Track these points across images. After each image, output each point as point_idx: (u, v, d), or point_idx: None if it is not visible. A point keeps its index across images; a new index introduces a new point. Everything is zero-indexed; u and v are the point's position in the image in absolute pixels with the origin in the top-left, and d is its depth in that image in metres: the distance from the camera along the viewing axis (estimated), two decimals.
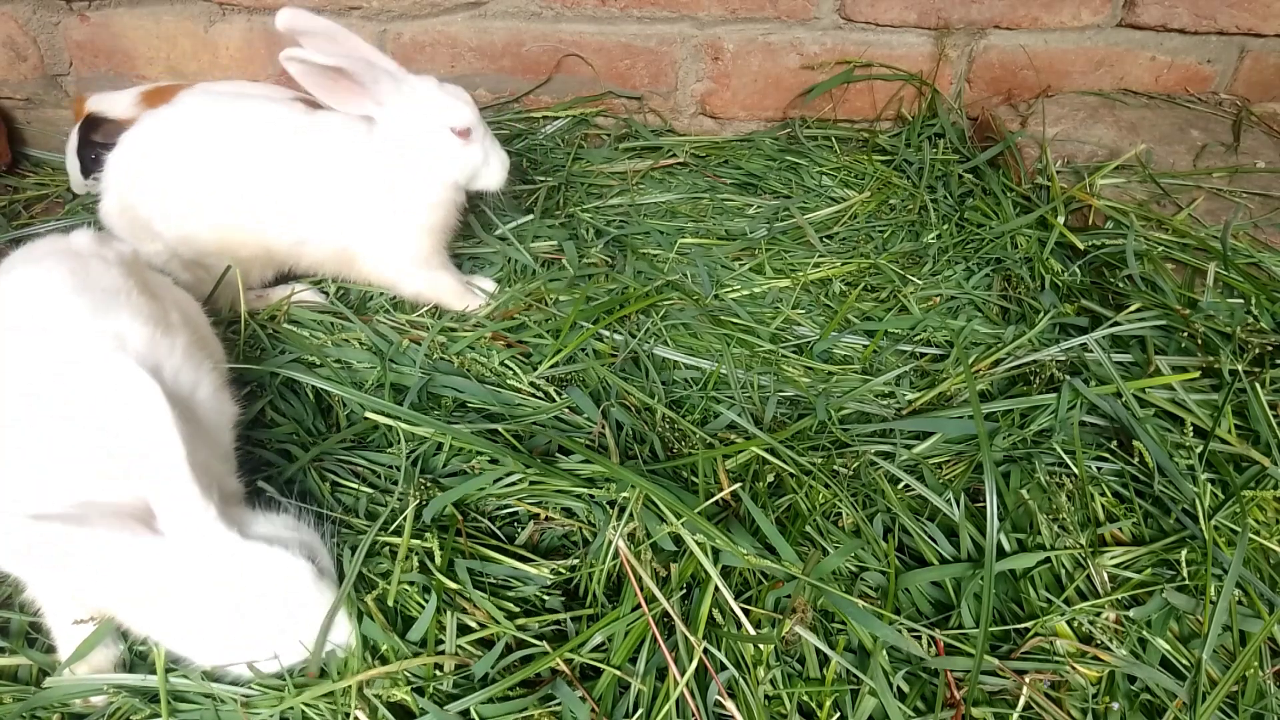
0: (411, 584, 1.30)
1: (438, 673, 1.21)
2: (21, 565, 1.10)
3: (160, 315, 1.31)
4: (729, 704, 1.20)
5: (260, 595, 1.07)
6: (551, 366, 1.72)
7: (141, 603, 1.07)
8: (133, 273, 1.37)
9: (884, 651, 1.26)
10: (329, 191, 1.79)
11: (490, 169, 1.85)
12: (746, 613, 1.29)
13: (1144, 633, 1.31)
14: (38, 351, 1.15)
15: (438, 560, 1.32)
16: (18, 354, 1.16)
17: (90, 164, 2.26)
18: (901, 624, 1.30)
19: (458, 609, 1.27)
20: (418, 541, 1.34)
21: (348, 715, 1.16)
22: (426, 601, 1.26)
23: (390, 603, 1.27)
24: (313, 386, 1.62)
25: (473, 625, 1.27)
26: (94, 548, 0.98)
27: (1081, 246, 1.99)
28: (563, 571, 1.37)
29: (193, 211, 1.74)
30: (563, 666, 1.23)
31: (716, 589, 1.30)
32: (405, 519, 1.35)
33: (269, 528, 1.14)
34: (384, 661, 1.20)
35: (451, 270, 1.96)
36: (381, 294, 1.95)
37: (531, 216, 2.20)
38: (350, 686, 1.16)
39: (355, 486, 1.47)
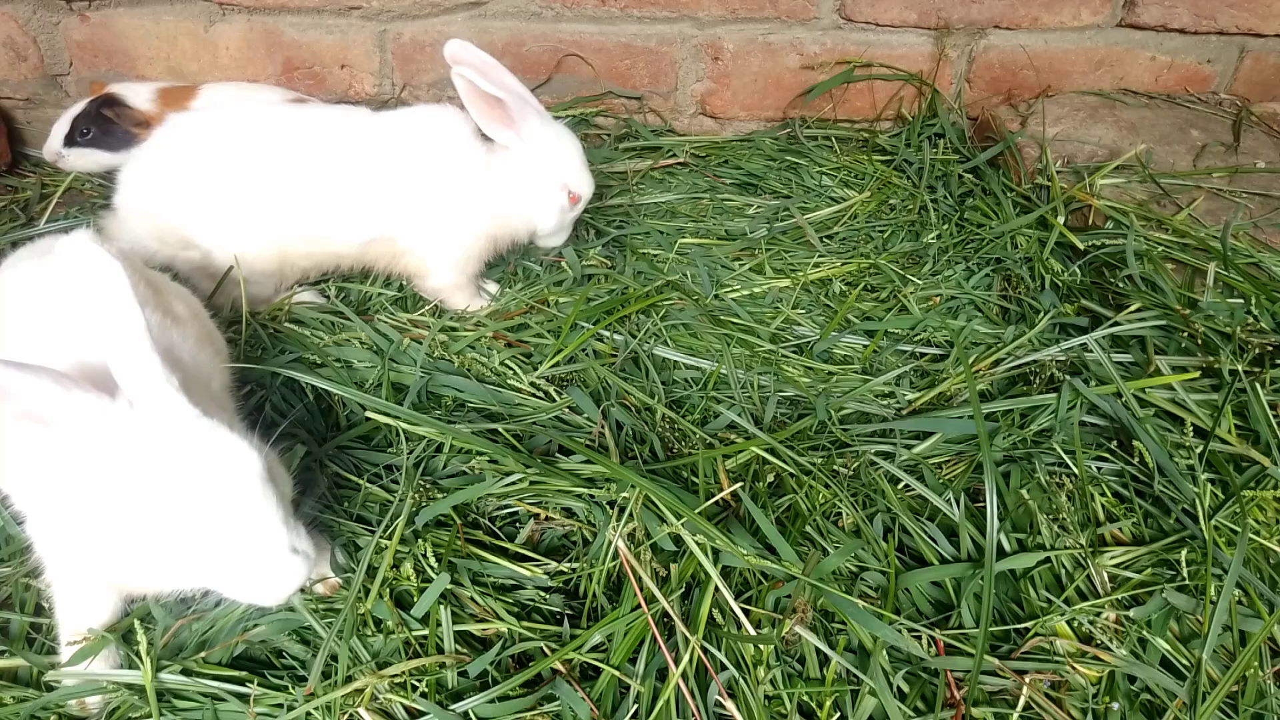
0: (411, 581, 1.30)
1: (441, 669, 1.21)
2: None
3: (167, 306, 1.33)
4: (729, 704, 1.20)
5: (207, 475, 1.03)
6: (552, 366, 1.72)
7: (101, 490, 1.04)
8: (133, 269, 1.38)
9: (884, 651, 1.26)
10: (405, 189, 1.81)
11: (561, 236, 2.01)
12: (746, 613, 1.29)
13: (1144, 633, 1.31)
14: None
15: (435, 568, 1.32)
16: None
17: (77, 136, 2.25)
18: (901, 624, 1.30)
19: (453, 605, 1.27)
20: (410, 545, 1.34)
21: (350, 717, 1.16)
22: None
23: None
24: (313, 386, 1.62)
25: (475, 632, 1.27)
26: (48, 401, 0.99)
27: (1081, 246, 1.99)
28: (564, 571, 1.37)
29: (252, 228, 1.76)
30: (561, 668, 1.23)
31: (716, 589, 1.30)
32: (401, 523, 1.35)
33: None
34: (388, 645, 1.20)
35: (479, 275, 1.99)
36: (382, 293, 1.95)
37: None
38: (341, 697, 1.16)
39: (355, 487, 1.47)
